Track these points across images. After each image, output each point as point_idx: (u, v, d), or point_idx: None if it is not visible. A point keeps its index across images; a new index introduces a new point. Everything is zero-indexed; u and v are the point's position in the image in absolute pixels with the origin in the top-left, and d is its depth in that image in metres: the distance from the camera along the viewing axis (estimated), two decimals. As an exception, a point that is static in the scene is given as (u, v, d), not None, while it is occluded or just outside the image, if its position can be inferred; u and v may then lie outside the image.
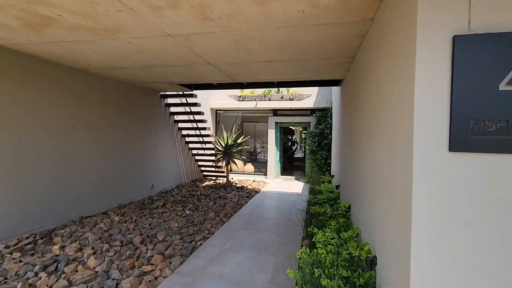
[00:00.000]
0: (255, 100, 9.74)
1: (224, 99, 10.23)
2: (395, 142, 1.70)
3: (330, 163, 8.88)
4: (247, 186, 8.01)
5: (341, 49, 3.38)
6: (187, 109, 7.93)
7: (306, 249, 2.65)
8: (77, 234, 3.97)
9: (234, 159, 7.76)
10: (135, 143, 6.11)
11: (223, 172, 8.77)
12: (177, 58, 3.89)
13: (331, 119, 8.86)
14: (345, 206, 3.78)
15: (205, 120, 7.74)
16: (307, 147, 9.19)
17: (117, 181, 5.60)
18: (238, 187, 7.84)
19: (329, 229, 3.26)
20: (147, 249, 3.46)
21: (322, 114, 9.15)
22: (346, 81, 4.81)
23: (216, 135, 10.79)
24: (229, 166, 7.83)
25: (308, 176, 9.26)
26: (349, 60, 3.81)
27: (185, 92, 7.00)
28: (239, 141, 7.98)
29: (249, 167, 10.69)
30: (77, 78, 4.68)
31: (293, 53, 3.60)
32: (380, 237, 2.09)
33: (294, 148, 16.23)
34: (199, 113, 7.50)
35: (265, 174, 10.19)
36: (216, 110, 10.78)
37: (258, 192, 7.46)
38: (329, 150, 8.97)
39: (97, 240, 3.71)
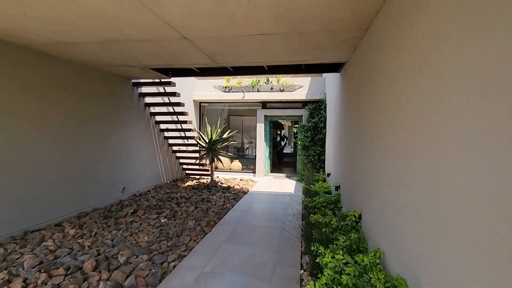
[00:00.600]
0: (243, 92, 8.91)
1: (208, 90, 9.33)
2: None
3: (324, 160, 8.22)
4: (234, 186, 7.22)
5: (353, 16, 2.61)
6: (166, 100, 7.01)
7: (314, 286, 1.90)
8: (12, 256, 3.06)
9: (220, 156, 6.93)
10: (101, 139, 5.17)
11: (207, 170, 7.94)
12: (142, 29, 3.01)
13: (325, 112, 8.18)
14: (354, 216, 3.06)
15: (185, 112, 6.85)
16: (299, 142, 8.48)
17: (78, 184, 4.67)
18: (224, 187, 7.03)
19: (337, 248, 2.54)
20: (99, 280, 2.61)
21: (315, 106, 8.45)
22: (350, 65, 4.08)
23: (200, 130, 9.90)
24: (213, 164, 7.00)
25: (300, 173, 8.57)
26: (360, 34, 3.06)
27: (162, 80, 6.08)
28: (224, 136, 7.16)
29: (236, 164, 9.89)
30: (19, 58, 3.70)
31: (290, 23, 2.80)
32: (430, 272, 1.36)
33: (283, 143, 15.54)
34: (178, 104, 6.60)
35: (254, 172, 9.42)
36: (200, 103, 9.87)
37: (246, 192, 6.69)
38: (323, 146, 8.30)
39: (35, 266, 2.82)
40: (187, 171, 8.64)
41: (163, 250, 3.36)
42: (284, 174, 9.60)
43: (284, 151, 16.10)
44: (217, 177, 8.61)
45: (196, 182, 7.73)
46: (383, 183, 2.28)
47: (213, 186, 7.03)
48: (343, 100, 4.82)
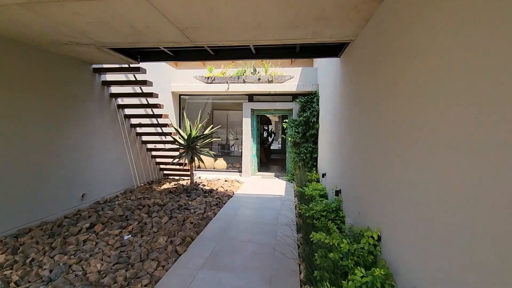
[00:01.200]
0: (227, 83, 8.03)
1: (189, 81, 8.38)
2: None
3: (316, 158, 7.53)
4: (217, 189, 6.39)
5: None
6: (138, 90, 6.03)
7: None
8: None
9: (200, 155, 6.07)
10: (51, 135, 4.19)
11: (188, 170, 7.06)
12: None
13: (318, 105, 7.46)
14: (372, 238, 2.32)
15: (159, 105, 5.92)
16: (289, 138, 7.74)
17: (19, 191, 3.69)
18: (206, 190, 6.19)
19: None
20: None
21: (307, 99, 7.72)
22: (357, 46, 3.33)
23: (181, 126, 8.96)
24: (194, 164, 6.13)
25: (291, 172, 7.85)
26: (379, -4, 2.29)
27: (130, 65, 5.12)
28: (206, 132, 6.28)
29: (221, 163, 9.04)
30: None
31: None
32: None
33: (271, 139, 14.79)
34: (151, 95, 5.65)
35: (240, 171, 8.61)
36: (180, 95, 8.90)
37: (232, 196, 5.89)
38: (316, 142, 7.60)
39: None
40: (165, 172, 7.72)
41: (118, 286, 2.51)
42: (273, 173, 8.85)
43: (272, 147, 15.39)
44: (199, 177, 7.74)
45: (175, 184, 6.83)
46: (417, 191, 1.54)
47: (194, 189, 6.17)
48: (344, 90, 4.08)
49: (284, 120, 8.07)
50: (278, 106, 8.28)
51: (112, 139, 5.59)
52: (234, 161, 10.10)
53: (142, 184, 6.56)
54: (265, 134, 14.95)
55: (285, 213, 4.82)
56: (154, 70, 7.11)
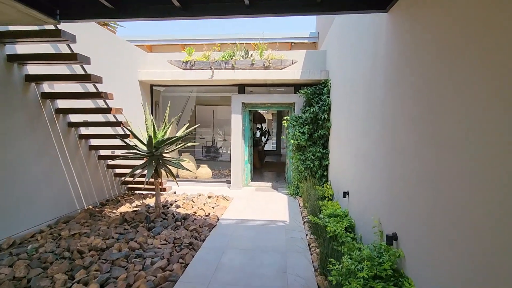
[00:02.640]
0: (211, 69, 6.22)
1: (161, 66, 6.54)
2: None
3: (327, 166, 5.82)
4: (195, 213, 4.60)
5: None
6: (79, 71, 4.16)
7: None
8: None
9: (169, 166, 4.24)
10: None
11: (168, 179, 5.21)
12: None
13: (329, 97, 5.75)
14: None
15: (103, 93, 4.08)
16: (291, 140, 6.00)
17: None
18: (179, 216, 4.39)
19: None
20: None
21: (314, 90, 5.99)
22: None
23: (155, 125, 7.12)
24: (160, 179, 4.31)
25: (294, 184, 6.12)
26: None
27: (46, 28, 3.25)
28: (179, 133, 4.43)
29: (204, 171, 7.22)
30: None
31: None
32: None
33: (264, 139, 13.05)
34: (86, 77, 3.80)
35: (228, 182, 6.82)
36: (152, 86, 7.02)
37: (214, 226, 4.11)
38: (326, 146, 5.90)
39: None
40: (129, 185, 5.87)
41: None
42: (270, 184, 7.11)
43: (265, 148, 13.67)
44: (174, 193, 5.90)
45: (139, 204, 5.00)
46: None
47: (160, 215, 4.35)
48: (396, 66, 2.35)
49: (284, 118, 6.34)
50: (277, 99, 6.52)
51: (34, 145, 3.72)
52: (223, 167, 8.32)
53: (90, 207, 4.70)
54: (258, 134, 13.20)
55: (295, 260, 3.08)
56: (110, 50, 5.24)
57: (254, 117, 10.42)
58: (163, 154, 4.18)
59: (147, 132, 4.06)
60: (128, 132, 4.39)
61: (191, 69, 6.32)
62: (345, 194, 4.07)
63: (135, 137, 3.95)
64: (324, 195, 5.11)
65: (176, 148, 4.22)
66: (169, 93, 8.13)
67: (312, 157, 5.78)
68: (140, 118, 5.27)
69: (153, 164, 4.00)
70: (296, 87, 6.50)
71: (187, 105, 9.10)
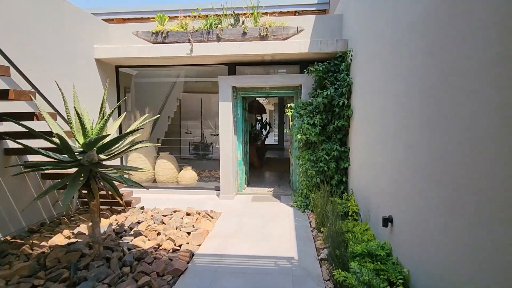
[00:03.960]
0: (189, 41, 4.68)
1: (126, 40, 5.00)
2: None
3: (346, 170, 4.33)
4: (159, 245, 3.13)
5: None
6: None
7: None
8: None
9: (112, 179, 2.75)
10: None
11: (137, 187, 3.72)
12: None
13: (349, 75, 4.21)
14: None
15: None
16: (298, 135, 4.47)
17: None
18: (132, 254, 2.93)
19: None
20: None
21: (328, 67, 4.44)
22: None
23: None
24: (96, 200, 2.83)
25: (301, 193, 4.63)
26: None
27: None
28: (133, 128, 2.89)
29: (188, 174, 5.73)
30: None
31: None
32: None
33: (265, 132, 11.53)
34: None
35: (217, 189, 5.34)
36: (118, 68, 5.49)
37: (182, 273, 2.65)
38: (346, 142, 4.39)
39: None
40: (85, 198, 4.43)
41: None
42: (270, 190, 5.63)
43: (266, 142, 12.18)
44: (142, 208, 4.42)
45: (85, 229, 3.55)
46: None
47: (101, 255, 2.89)
48: None
49: (288, 105, 4.80)
50: (277, 81, 4.96)
51: None
52: (214, 168, 6.86)
53: (8, 238, 3.25)
54: (258, 126, 11.67)
55: None
56: (47, 17, 3.71)
57: (252, 107, 8.87)
58: (103, 161, 2.69)
59: (71, 127, 2.56)
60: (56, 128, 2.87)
61: (163, 43, 4.77)
62: (387, 221, 2.57)
63: (60, 138, 2.41)
64: (346, 212, 3.63)
65: (122, 152, 2.71)
66: (146, 79, 6.61)
67: (326, 157, 4.26)
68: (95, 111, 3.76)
69: (81, 179, 2.51)
70: (303, 64, 4.94)
71: (172, 94, 7.59)
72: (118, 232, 3.42)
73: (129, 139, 2.89)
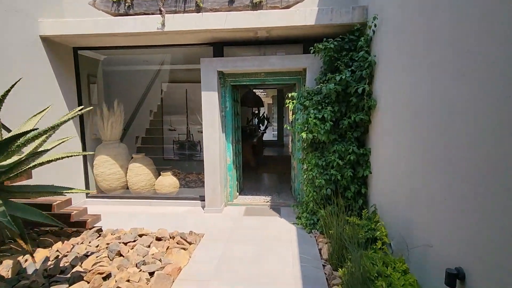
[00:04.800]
0: (160, 12, 3.60)
1: (86, 12, 3.92)
2: None
3: (366, 178, 3.31)
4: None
5: None
6: None
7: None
8: None
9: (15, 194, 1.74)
10: None
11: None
12: None
13: (370, 54, 3.17)
14: None
15: None
16: (302, 134, 3.44)
17: None
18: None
19: None
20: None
21: (342, 44, 3.39)
22: None
23: (103, 121, 4.63)
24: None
25: (307, 207, 3.62)
26: None
27: None
28: (28, 126, 1.82)
29: (167, 181, 4.70)
30: None
31: None
32: None
33: (263, 128, 10.49)
34: None
35: (202, 199, 4.31)
36: (76, 50, 4.41)
37: None
38: (364, 142, 3.37)
39: None
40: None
41: None
42: (268, 199, 4.63)
43: (264, 138, 11.19)
44: (99, 231, 3.38)
45: (9, 266, 2.55)
46: None
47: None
48: None
49: (289, 95, 3.75)
50: (275, 63, 3.89)
51: None
52: (201, 171, 5.83)
53: None
54: (254, 121, 10.62)
55: None
56: None
57: (247, 99, 7.82)
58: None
59: None
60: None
61: (127, 14, 3.70)
62: (454, 278, 1.57)
63: None
64: (373, 237, 2.64)
65: (23, 168, 1.69)
66: (120, 67, 5.56)
67: (340, 162, 3.24)
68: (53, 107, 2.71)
69: None
70: (307, 43, 3.87)
71: (155, 84, 6.52)
72: (51, 275, 2.42)
73: (35, 143, 1.84)
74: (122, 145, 4.88)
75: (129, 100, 5.96)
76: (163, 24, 3.56)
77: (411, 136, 2.21)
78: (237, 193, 4.78)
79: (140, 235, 3.19)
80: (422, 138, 2.02)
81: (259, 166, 7.23)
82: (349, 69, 3.23)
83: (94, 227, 3.36)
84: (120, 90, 5.81)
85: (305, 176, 3.64)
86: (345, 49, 3.40)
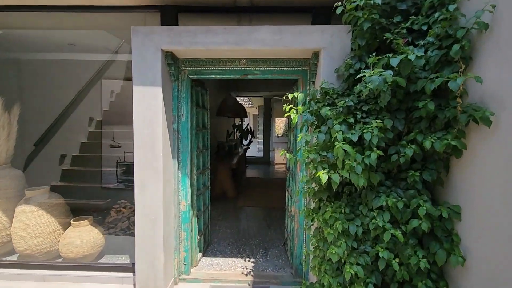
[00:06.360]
0: None
1: None
2: None
3: (448, 268, 1.58)
4: None
5: None
6: None
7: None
8: None
9: None
10: None
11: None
12: None
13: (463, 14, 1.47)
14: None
15: None
16: (320, 175, 1.73)
17: None
18: None
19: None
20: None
21: (392, 4, 1.75)
22: None
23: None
24: None
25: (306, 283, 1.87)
26: None
27: None
28: None
29: (80, 237, 2.80)
30: None
31: None
32: None
33: (246, 143, 8.74)
34: None
35: (133, 270, 2.47)
36: None
37: None
38: (436, 192, 1.66)
39: None
40: None
41: None
42: (249, 268, 2.84)
43: (247, 154, 9.51)
44: None
45: None
46: None
47: None
48: None
49: (289, 95, 2.06)
50: (266, 41, 2.19)
51: None
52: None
53: None
54: (236, 135, 8.87)
55: None
56: None
57: (225, 107, 6.09)
58: None
59: None
60: None
61: None
62: None
63: None
64: None
65: None
66: (38, 54, 3.73)
67: (396, 233, 1.53)
68: None
69: None
70: (320, 12, 2.24)
71: (94, 80, 4.66)
72: None
73: None
74: (14, 172, 2.99)
75: (47, 102, 4.09)
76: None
77: None
78: (200, 255, 2.96)
79: None
80: None
81: (239, 194, 5.44)
82: (418, 47, 1.59)
83: None
84: (40, 88, 3.95)
85: (316, 245, 1.93)
86: (401, 11, 1.78)
